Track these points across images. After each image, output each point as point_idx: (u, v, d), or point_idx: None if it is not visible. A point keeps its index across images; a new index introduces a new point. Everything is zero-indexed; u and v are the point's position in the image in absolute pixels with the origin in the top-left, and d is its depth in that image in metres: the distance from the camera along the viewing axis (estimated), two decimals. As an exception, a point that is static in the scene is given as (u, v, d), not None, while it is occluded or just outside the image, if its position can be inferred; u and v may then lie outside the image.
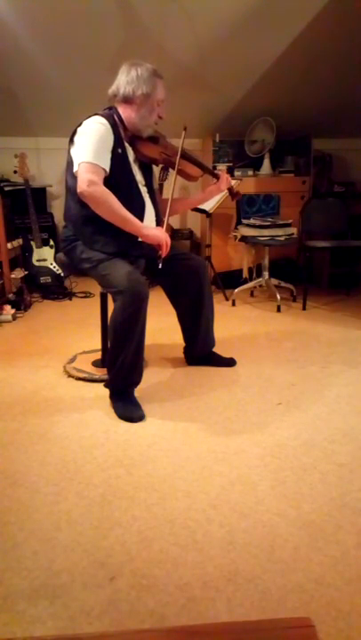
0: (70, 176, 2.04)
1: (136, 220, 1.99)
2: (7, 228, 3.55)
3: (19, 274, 3.71)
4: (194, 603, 1.12)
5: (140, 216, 2.08)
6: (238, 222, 3.81)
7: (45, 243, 3.94)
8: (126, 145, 2.08)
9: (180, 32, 3.17)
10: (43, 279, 3.90)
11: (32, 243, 3.91)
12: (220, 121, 4.25)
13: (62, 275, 3.92)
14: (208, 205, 3.62)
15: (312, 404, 2.06)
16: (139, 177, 2.14)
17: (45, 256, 3.92)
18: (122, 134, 2.06)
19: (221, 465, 1.63)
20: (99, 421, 1.94)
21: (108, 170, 1.97)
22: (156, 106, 2.08)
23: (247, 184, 4.04)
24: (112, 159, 1.99)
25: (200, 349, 2.43)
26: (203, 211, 3.66)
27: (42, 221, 3.97)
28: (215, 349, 2.47)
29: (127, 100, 2.05)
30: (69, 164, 2.03)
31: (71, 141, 2.02)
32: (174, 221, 4.65)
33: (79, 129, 2.00)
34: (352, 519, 1.37)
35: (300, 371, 2.41)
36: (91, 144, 1.94)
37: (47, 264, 3.91)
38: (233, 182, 2.58)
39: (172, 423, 1.92)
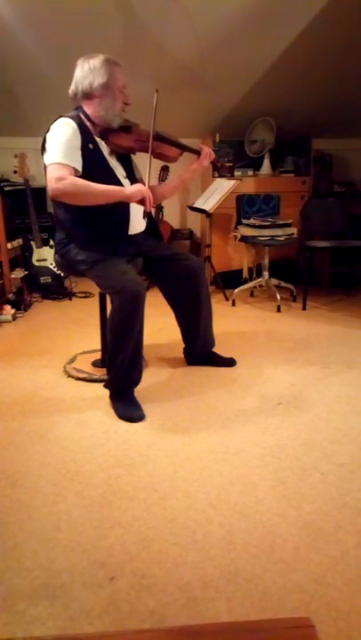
0: None
1: (115, 187, 1.96)
2: (7, 228, 3.55)
3: (19, 274, 3.71)
4: (194, 603, 1.12)
5: (125, 207, 2.06)
6: (238, 222, 3.81)
7: (45, 243, 3.94)
8: (98, 140, 2.07)
9: (180, 32, 3.17)
10: (43, 279, 3.90)
11: (32, 243, 3.91)
12: (220, 121, 4.25)
13: (62, 275, 3.92)
14: (208, 205, 3.62)
15: (312, 404, 2.06)
16: (118, 169, 2.13)
17: (45, 256, 3.92)
18: (91, 130, 2.05)
19: (221, 465, 1.63)
20: (99, 421, 1.94)
21: (79, 168, 1.96)
22: (118, 93, 2.04)
23: (247, 184, 4.04)
24: (85, 156, 1.98)
25: (200, 350, 2.43)
26: (203, 211, 3.66)
27: (42, 221, 3.97)
28: (215, 349, 2.47)
29: (87, 95, 2.03)
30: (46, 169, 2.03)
31: (43, 149, 2.02)
32: (174, 221, 4.66)
33: (47, 135, 1.99)
34: (352, 519, 1.37)
35: (300, 371, 2.41)
36: (57, 145, 1.94)
37: (47, 264, 3.91)
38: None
39: (172, 423, 1.92)
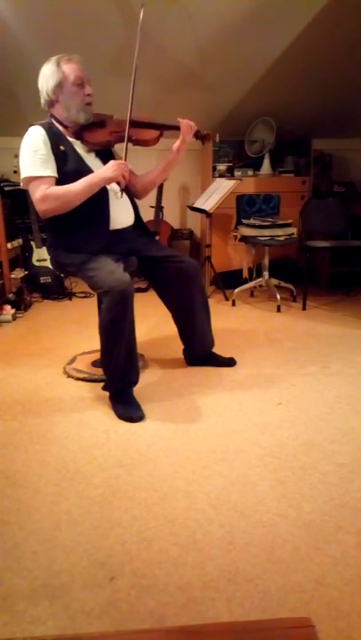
0: (28, 193, 2.08)
1: (91, 177, 1.97)
2: (7, 228, 3.55)
3: (19, 274, 3.71)
4: (194, 603, 1.12)
5: (104, 201, 2.06)
6: (238, 222, 3.81)
7: (45, 243, 3.93)
8: (72, 140, 2.08)
9: (180, 32, 3.17)
10: (43, 279, 3.90)
11: (32, 243, 3.91)
12: (220, 121, 4.24)
13: (62, 275, 3.92)
14: (208, 205, 3.62)
15: (312, 404, 2.06)
16: (96, 166, 2.10)
17: (45, 256, 3.91)
18: (62, 132, 2.06)
19: (221, 465, 1.63)
20: (99, 421, 1.94)
21: (54, 174, 1.99)
22: (74, 88, 2.02)
23: (247, 184, 4.04)
24: (58, 159, 2.00)
25: (199, 350, 2.42)
26: (203, 211, 3.66)
27: (42, 221, 3.96)
28: (215, 349, 2.47)
29: (50, 101, 2.06)
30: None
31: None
32: (174, 221, 4.66)
33: (21, 145, 2.02)
34: (352, 519, 1.37)
35: (300, 371, 2.41)
36: (28, 157, 1.97)
37: (47, 264, 3.90)
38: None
39: (172, 423, 1.92)
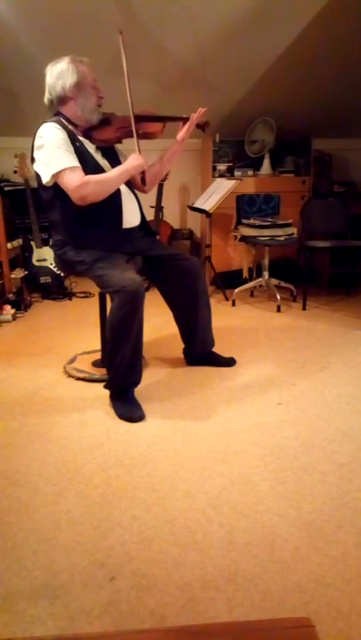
0: (43, 190, 2.06)
1: (122, 167, 2.07)
2: (7, 228, 3.55)
3: (19, 274, 3.71)
4: (194, 603, 1.11)
5: (118, 200, 2.08)
6: (238, 222, 3.81)
7: (45, 243, 3.94)
8: (82, 139, 2.09)
9: (180, 32, 3.17)
10: (43, 279, 3.90)
11: (32, 243, 3.91)
12: (220, 121, 4.24)
13: (62, 275, 3.92)
14: (208, 205, 3.62)
15: (312, 404, 2.06)
16: (104, 164, 2.14)
17: (45, 256, 3.92)
18: (74, 131, 2.07)
19: (221, 465, 1.63)
20: (99, 421, 1.94)
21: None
22: (90, 89, 2.07)
23: (247, 184, 4.04)
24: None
25: (199, 350, 2.43)
26: (203, 211, 3.66)
27: (42, 221, 3.96)
28: (215, 349, 2.47)
29: (62, 99, 2.06)
30: (38, 177, 2.04)
31: (33, 158, 2.03)
32: (174, 221, 4.65)
33: (35, 144, 2.00)
34: (352, 519, 1.37)
35: (300, 371, 2.41)
36: (53, 152, 1.96)
37: (47, 264, 3.91)
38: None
39: (172, 423, 1.92)
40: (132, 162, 2.08)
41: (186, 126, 2.26)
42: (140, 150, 2.11)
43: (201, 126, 2.33)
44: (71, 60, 2.04)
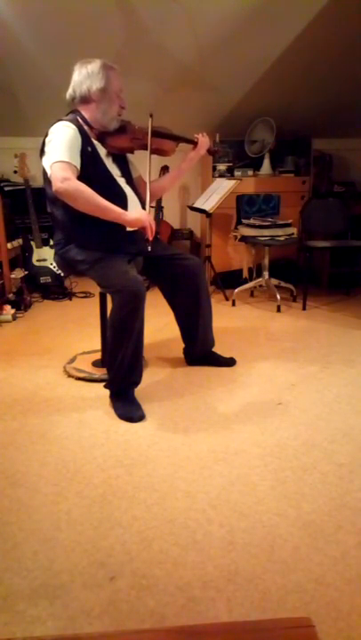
0: (49, 186, 2.05)
1: (116, 208, 1.96)
2: (7, 228, 3.55)
3: (19, 274, 3.71)
4: (194, 603, 1.12)
5: (124, 206, 2.07)
6: (238, 222, 3.81)
7: (45, 243, 3.94)
8: (95, 142, 2.08)
9: (180, 32, 3.17)
10: (43, 279, 3.90)
11: (32, 243, 3.91)
12: (220, 121, 4.24)
13: (62, 275, 3.92)
14: (208, 205, 3.62)
15: (312, 404, 2.06)
16: (115, 170, 2.14)
17: (45, 256, 3.92)
18: (89, 133, 2.06)
19: (221, 465, 1.63)
20: (99, 421, 1.94)
21: (78, 168, 1.97)
22: (115, 97, 2.07)
23: (247, 184, 4.04)
24: (83, 158, 1.99)
25: (199, 349, 2.43)
26: (203, 211, 3.66)
27: (42, 221, 3.96)
28: (215, 349, 2.47)
29: (85, 99, 2.06)
30: (45, 173, 2.03)
31: (42, 152, 2.02)
32: (174, 221, 4.66)
33: (47, 139, 2.00)
34: (352, 519, 1.37)
35: (300, 371, 2.41)
36: (60, 144, 1.94)
37: (47, 264, 3.91)
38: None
39: (172, 423, 1.92)
40: (130, 217, 1.97)
41: (196, 150, 2.29)
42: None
43: (212, 153, 2.41)
44: (103, 64, 2.04)
